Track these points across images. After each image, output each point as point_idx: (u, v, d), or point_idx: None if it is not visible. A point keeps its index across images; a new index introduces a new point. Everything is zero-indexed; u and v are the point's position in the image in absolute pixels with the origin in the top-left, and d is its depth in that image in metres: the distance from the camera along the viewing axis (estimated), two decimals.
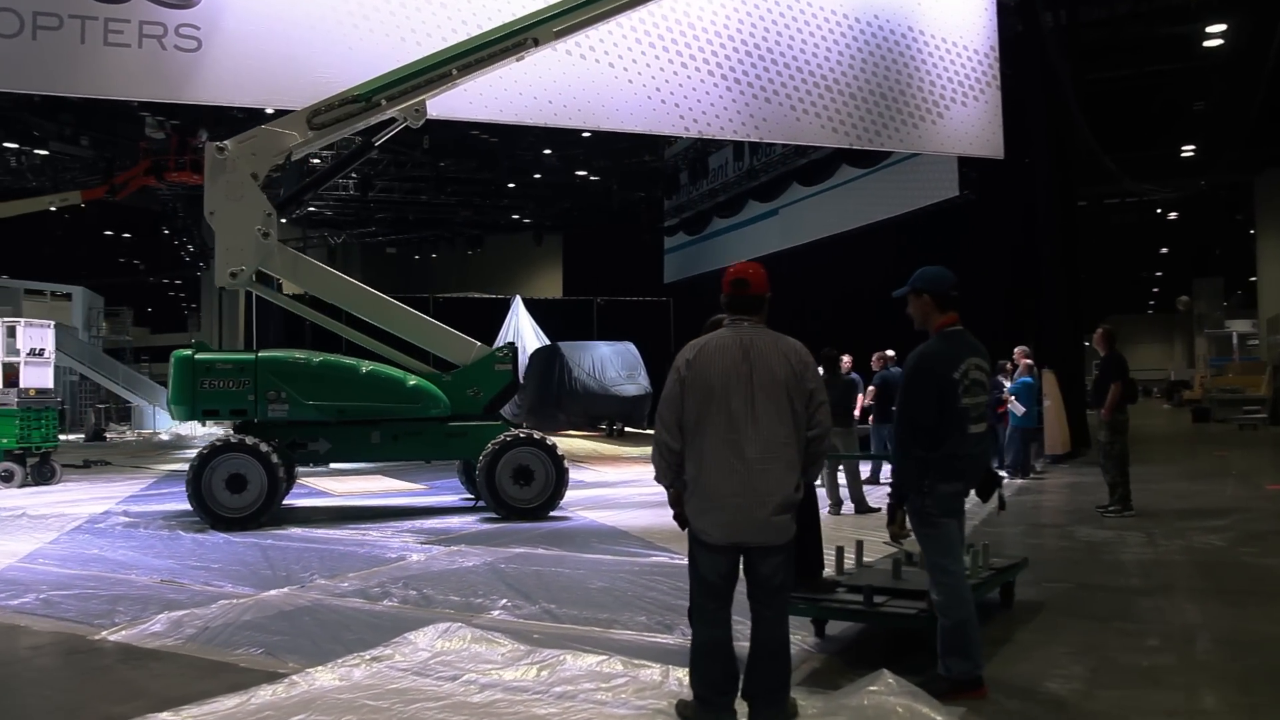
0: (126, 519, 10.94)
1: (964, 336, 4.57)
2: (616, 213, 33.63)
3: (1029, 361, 14.35)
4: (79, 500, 12.52)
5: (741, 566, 4.18)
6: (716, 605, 4.19)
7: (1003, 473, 14.15)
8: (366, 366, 10.97)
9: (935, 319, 4.59)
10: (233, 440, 10.33)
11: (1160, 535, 9.06)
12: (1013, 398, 14.15)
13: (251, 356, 10.72)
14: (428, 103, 11.79)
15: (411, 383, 10.98)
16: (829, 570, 5.88)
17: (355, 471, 15.56)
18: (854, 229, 24.48)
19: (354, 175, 29.54)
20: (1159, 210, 39.46)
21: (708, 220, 30.95)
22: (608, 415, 22.36)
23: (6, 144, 25.68)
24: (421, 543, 9.16)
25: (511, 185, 30.83)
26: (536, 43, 11.51)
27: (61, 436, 24.96)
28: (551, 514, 10.80)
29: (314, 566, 8.01)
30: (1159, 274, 57.14)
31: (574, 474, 15.85)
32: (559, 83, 13.09)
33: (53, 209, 24.57)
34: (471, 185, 31.82)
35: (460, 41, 11.54)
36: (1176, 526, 9.54)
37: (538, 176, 30.56)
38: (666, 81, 13.51)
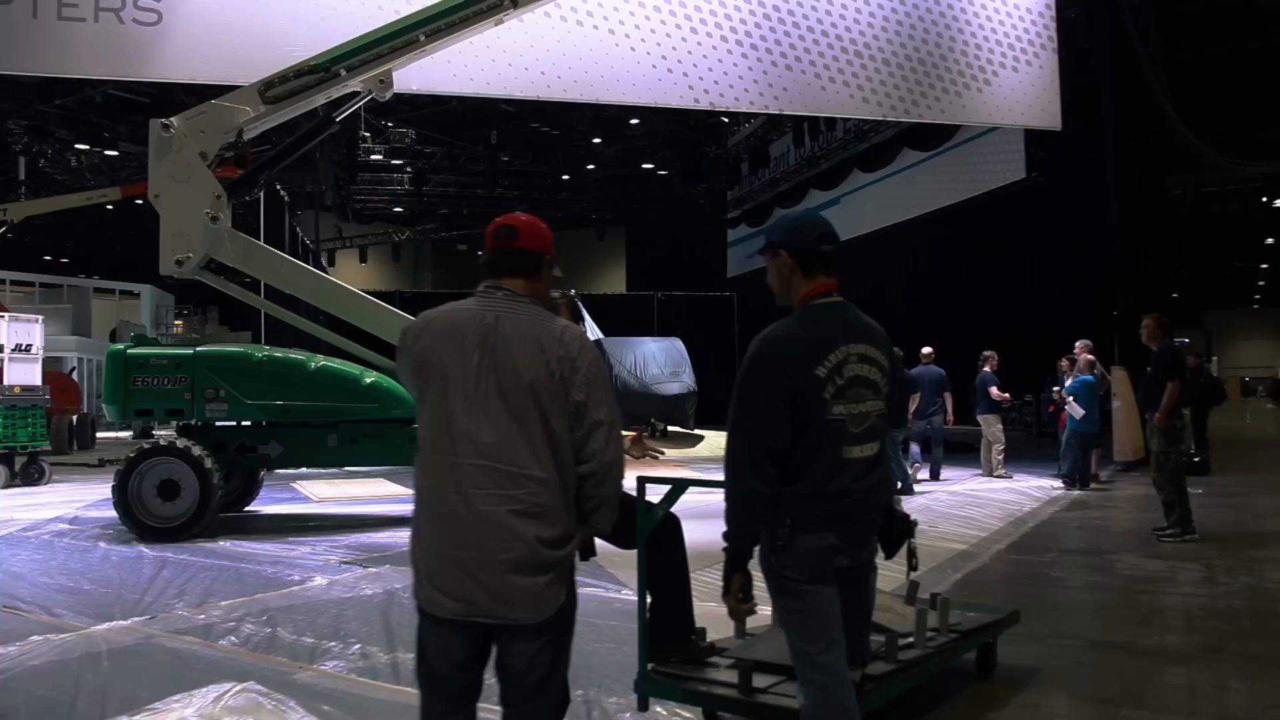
0: (66, 526, 9.94)
1: (839, 312, 3.02)
2: (680, 205, 32.10)
3: (1089, 357, 12.45)
4: (48, 503, 11.62)
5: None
6: (446, 708, 2.78)
7: (1058, 484, 12.34)
8: (316, 362, 9.76)
9: (798, 287, 3.05)
10: (162, 443, 9.24)
11: (1223, 569, 7.26)
12: (1070, 398, 12.27)
13: (189, 351, 9.59)
14: (397, 73, 10.60)
15: (368, 380, 9.73)
16: (715, 632, 4.36)
17: (360, 475, 14.44)
18: (918, 216, 22.61)
19: (409, 170, 28.67)
20: (1264, 199, 36.26)
21: (769, 211, 29.28)
22: (648, 414, 20.87)
23: (78, 145, 25.51)
24: (343, 562, 7.89)
25: (566, 177, 29.56)
26: (515, 4, 10.16)
27: (113, 435, 24.93)
28: None
29: (193, 590, 6.80)
30: (1264, 266, 53.07)
31: None
32: (553, 52, 11.72)
33: (89, 204, 24.13)
34: (528, 178, 30.67)
35: (429, 5, 10.24)
36: (1246, 557, 7.70)
37: (591, 168, 29.23)
38: (674, 49, 12.03)
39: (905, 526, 3.15)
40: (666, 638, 4.03)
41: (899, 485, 12.19)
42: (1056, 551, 8.15)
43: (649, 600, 3.99)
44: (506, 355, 2.76)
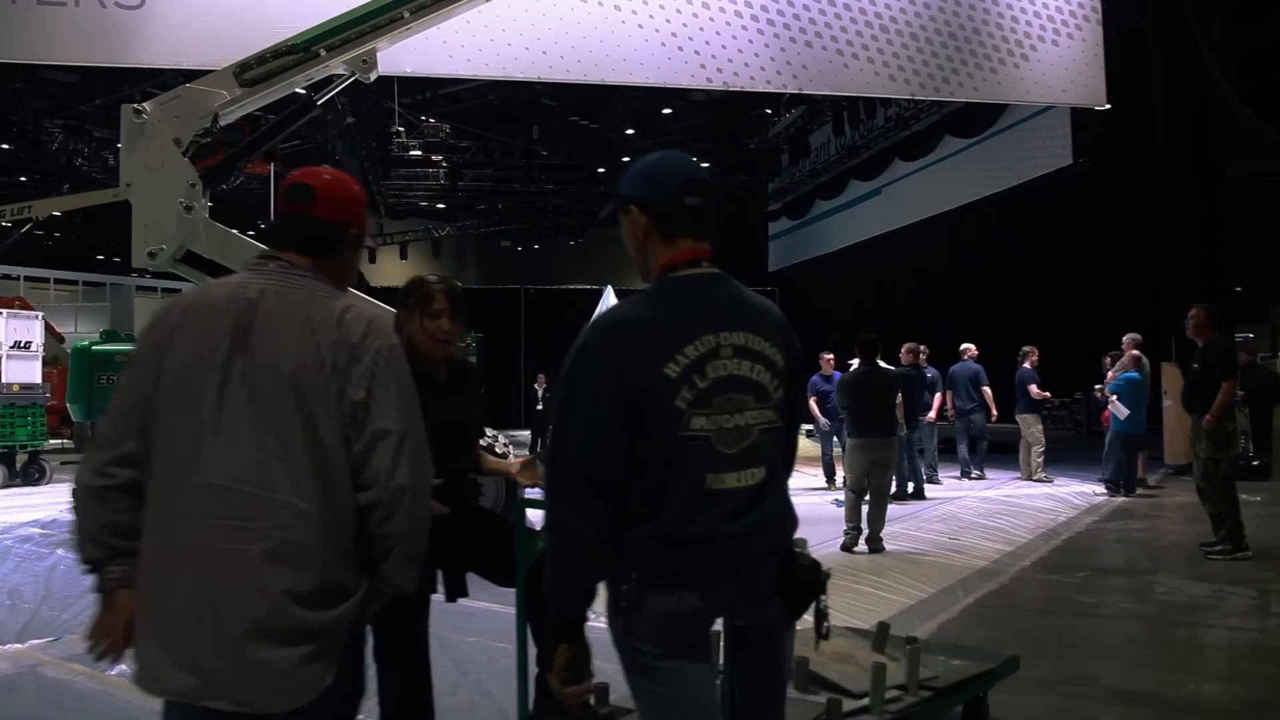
0: (37, 531, 9.43)
1: (708, 289, 2.19)
2: (720, 198, 31.11)
3: (1136, 353, 11.38)
4: (37, 504, 11.15)
5: None
6: None
7: (1101, 489, 11.30)
8: None
9: (655, 255, 2.24)
10: None
11: (1279, 595, 6.28)
12: (1114, 397, 11.23)
13: None
14: (392, 55, 9.98)
15: None
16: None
17: None
18: (960, 205, 21.49)
19: (444, 164, 28.12)
20: None
21: (810, 203, 28.34)
22: None
23: (118, 144, 25.37)
24: None
25: (601, 170, 28.76)
26: None
27: None
28: None
29: None
30: None
31: None
32: (555, 30, 10.96)
33: (117, 200, 23.98)
34: (566, 172, 29.97)
35: None
36: None
37: (627, 160, 28.38)
38: (685, 25, 11.20)
39: (812, 580, 2.32)
40: (553, 698, 3.24)
41: (909, 489, 11.31)
42: (1088, 570, 7.19)
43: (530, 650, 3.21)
44: (264, 339, 2.03)
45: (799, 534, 2.29)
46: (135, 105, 9.33)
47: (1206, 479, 7.48)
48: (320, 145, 22.14)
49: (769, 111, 26.89)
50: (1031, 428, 12.99)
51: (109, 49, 10.59)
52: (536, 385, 16.15)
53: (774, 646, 2.31)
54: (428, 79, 24.44)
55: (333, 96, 17.82)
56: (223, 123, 9.52)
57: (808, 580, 2.28)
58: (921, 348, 12.67)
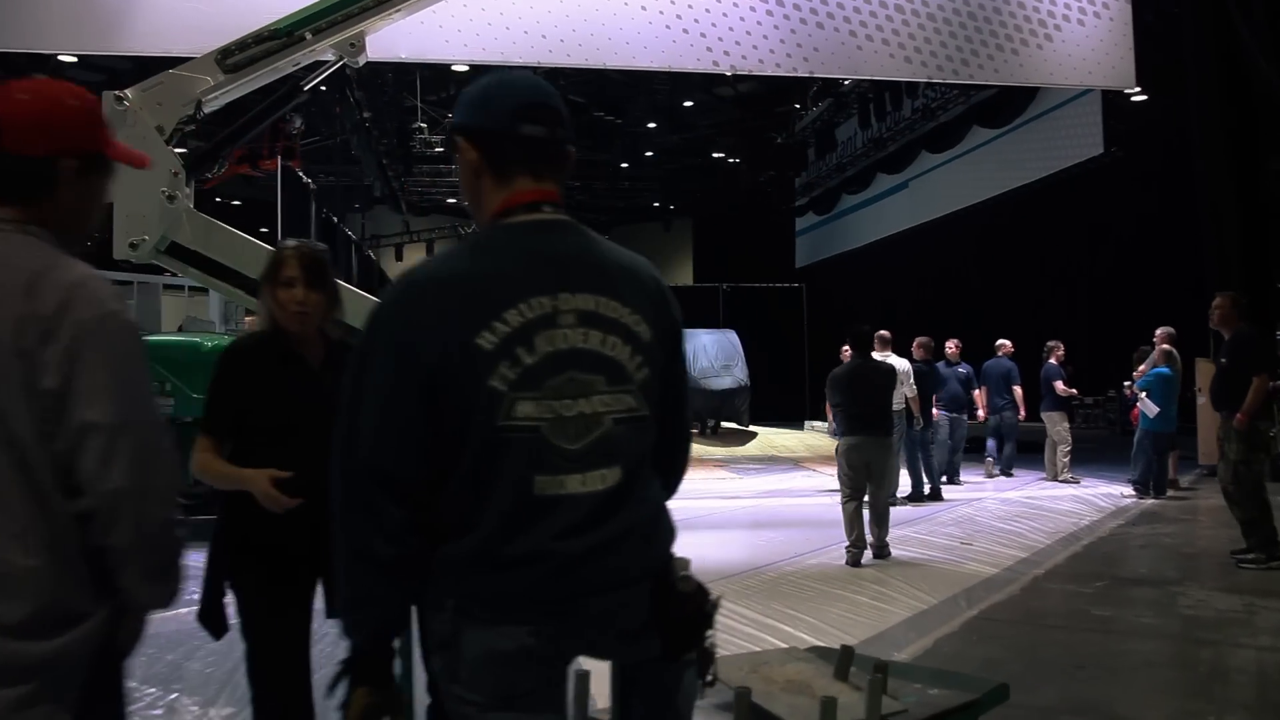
0: None
1: (547, 238, 1.72)
2: (747, 194, 30.60)
3: (1167, 347, 10.72)
4: None
5: None
6: None
7: (1129, 491, 10.66)
8: None
9: (488, 196, 1.76)
10: None
11: None
12: (1143, 394, 10.58)
13: None
14: (385, 41, 9.56)
15: None
16: None
17: None
18: (989, 198, 20.77)
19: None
20: None
21: (836, 198, 27.68)
22: (694, 411, 19.53)
23: None
24: None
25: (625, 165, 28.30)
26: None
27: None
28: None
29: None
30: None
31: None
32: (555, 13, 10.49)
33: None
34: (590, 168, 29.53)
35: None
36: None
37: (650, 154, 27.95)
38: (690, 6, 10.68)
39: (695, 612, 1.83)
40: None
41: (925, 489, 10.75)
42: (1107, 579, 6.61)
43: None
44: None
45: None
46: (116, 92, 8.98)
47: (1236, 482, 6.88)
48: (344, 140, 21.86)
49: (797, 106, 26.36)
50: (1057, 426, 12.36)
51: (98, 37, 10.28)
52: None
53: (669, 689, 1.83)
54: (449, 75, 24.33)
55: (349, 92, 17.43)
56: (207, 110, 9.16)
57: (688, 612, 1.80)
58: (951, 343, 12.07)
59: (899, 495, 10.51)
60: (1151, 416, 10.44)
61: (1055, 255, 21.01)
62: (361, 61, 9.32)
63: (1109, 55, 11.50)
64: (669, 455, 1.86)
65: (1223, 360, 7.17)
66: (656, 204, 31.96)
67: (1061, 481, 12.07)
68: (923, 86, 21.04)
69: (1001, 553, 7.51)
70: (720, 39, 10.76)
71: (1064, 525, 8.84)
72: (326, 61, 9.26)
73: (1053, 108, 18.21)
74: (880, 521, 7.26)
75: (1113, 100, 16.90)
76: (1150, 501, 10.34)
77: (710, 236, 35.08)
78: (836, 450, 7.30)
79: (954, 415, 11.83)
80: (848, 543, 7.13)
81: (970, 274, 22.71)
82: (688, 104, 24.76)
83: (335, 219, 18.89)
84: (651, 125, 25.55)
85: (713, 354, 19.95)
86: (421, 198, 29.12)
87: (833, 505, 9.77)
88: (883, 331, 11.44)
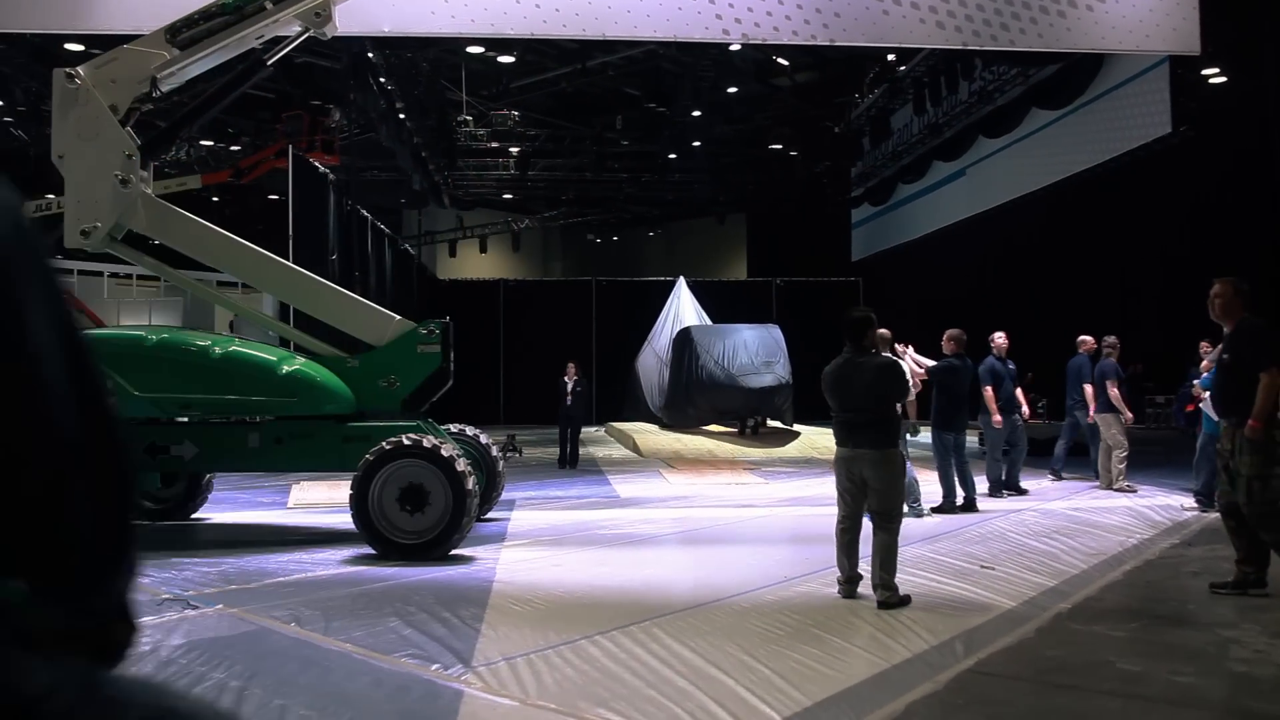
0: None
1: None
2: (802, 186, 29.34)
3: None
4: None
5: None
6: None
7: (1191, 503, 9.36)
8: (223, 347, 7.98)
9: None
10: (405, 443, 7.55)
11: None
12: (1206, 394, 9.25)
13: None
14: (366, 16, 8.79)
15: (286, 370, 7.90)
16: None
17: None
18: (1050, 184, 19.30)
19: (512, 154, 27.06)
20: None
21: (892, 188, 26.33)
22: (733, 409, 18.44)
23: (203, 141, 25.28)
24: (171, 598, 6.01)
25: (673, 156, 27.27)
26: None
27: None
28: (455, 553, 7.42)
29: None
30: None
31: (637, 483, 12.46)
32: None
33: (167, 193, 23.59)
34: (639, 160, 28.61)
35: None
36: None
37: (698, 145, 26.86)
38: None
39: None
40: None
41: (959, 500, 9.62)
42: (1146, 619, 5.44)
43: None
44: None
45: None
46: (68, 70, 8.32)
47: (1251, 501, 5.70)
48: (368, 128, 21.30)
49: (856, 96, 25.10)
50: (1111, 429, 11.07)
51: (65, 16, 9.70)
52: (566, 378, 14.55)
53: None
54: (499, 67, 23.62)
55: (371, 79, 16.67)
56: (164, 88, 8.45)
57: None
58: (999, 336, 10.86)
59: (925, 508, 9.39)
60: (1216, 419, 9.10)
61: (1122, 243, 19.44)
62: (330, 32, 8.55)
63: (1169, 16, 10.19)
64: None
65: (1225, 357, 6.02)
66: (710, 198, 30.85)
67: (1116, 490, 10.80)
68: (979, 68, 19.72)
69: (1026, 580, 6.37)
70: (731, 6, 9.77)
71: (1108, 545, 7.63)
72: (290, 35, 8.54)
73: (1116, 85, 16.76)
74: (885, 559, 5.75)
75: (1181, 76, 15.44)
76: (1214, 515, 9.00)
77: (764, 231, 33.90)
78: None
79: (1010, 417, 10.72)
80: (838, 576, 6.04)
81: (1032, 265, 21.22)
82: (740, 94, 23.61)
83: (366, 213, 18.18)
84: (696, 114, 24.37)
85: (753, 349, 18.78)
86: (466, 192, 28.42)
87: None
88: (883, 330, 10.42)
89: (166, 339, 8.02)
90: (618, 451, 18.14)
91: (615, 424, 23.16)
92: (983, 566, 6.82)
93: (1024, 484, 11.04)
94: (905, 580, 6.30)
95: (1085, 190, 18.68)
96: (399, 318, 8.37)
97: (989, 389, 10.58)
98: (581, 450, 16.29)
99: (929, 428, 10.34)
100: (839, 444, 5.88)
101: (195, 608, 5.79)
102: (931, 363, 10.00)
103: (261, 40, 8.52)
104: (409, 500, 7.33)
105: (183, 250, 8.43)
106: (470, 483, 7.31)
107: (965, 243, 23.41)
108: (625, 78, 25.36)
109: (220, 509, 9.99)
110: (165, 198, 24.41)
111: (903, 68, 22.47)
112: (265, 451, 8.04)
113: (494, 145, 26.20)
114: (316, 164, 15.37)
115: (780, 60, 24.65)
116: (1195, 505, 9.35)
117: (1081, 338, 11.72)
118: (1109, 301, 19.15)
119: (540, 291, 30.10)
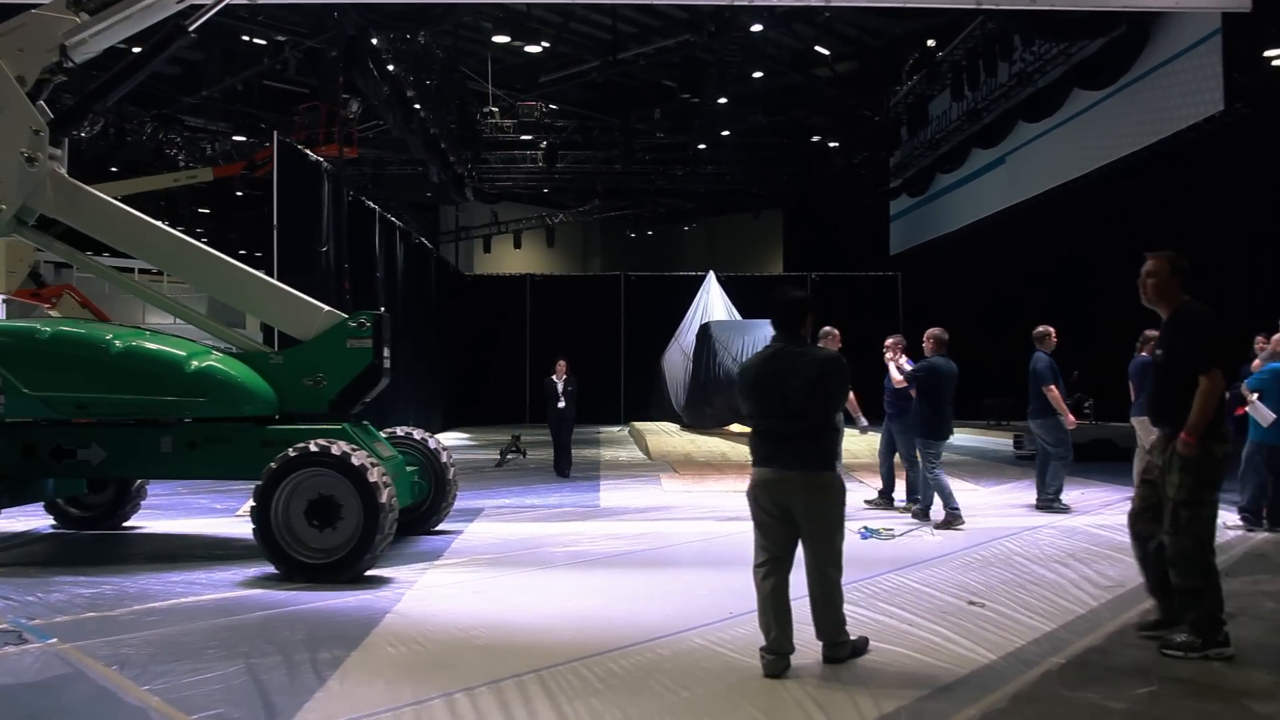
0: None
1: None
2: (839, 178, 27.96)
3: None
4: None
5: None
6: None
7: (1236, 520, 8.07)
8: (125, 341, 7.08)
9: None
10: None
11: None
12: (1255, 396, 7.96)
13: None
14: None
15: (196, 366, 6.98)
16: None
17: None
18: (1094, 170, 17.79)
19: (541, 147, 26.09)
20: None
21: (931, 178, 24.88)
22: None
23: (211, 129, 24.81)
24: (4, 630, 5.11)
25: (702, 147, 26.09)
26: None
27: None
28: (371, 574, 6.45)
29: None
30: None
31: (628, 490, 11.42)
32: None
33: (177, 185, 22.96)
34: (670, 151, 27.49)
35: None
36: None
37: (727, 134, 25.64)
38: None
39: None
40: None
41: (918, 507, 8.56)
42: (1159, 680, 4.26)
43: None
44: None
45: None
46: None
47: (1176, 531, 4.61)
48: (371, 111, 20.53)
49: (897, 88, 23.76)
50: (1151, 432, 9.70)
51: None
52: (555, 378, 13.31)
53: None
54: (528, 57, 22.70)
55: (371, 63, 15.80)
56: (76, 58, 7.57)
57: None
58: (1049, 331, 9.59)
59: (933, 521, 8.30)
60: (1265, 425, 7.81)
61: (1172, 231, 17.89)
62: None
63: None
64: None
65: (1159, 353, 4.82)
66: (745, 191, 29.59)
67: None
68: (1019, 49, 18.32)
69: (1019, 623, 5.21)
70: None
71: (1129, 573, 6.38)
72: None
73: (1163, 62, 15.30)
74: (827, 609, 4.45)
75: (1235, 47, 13.97)
76: (1262, 536, 7.73)
77: (802, 225, 32.55)
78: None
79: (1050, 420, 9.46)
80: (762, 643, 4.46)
81: (1077, 256, 19.70)
82: (777, 84, 22.44)
83: (374, 206, 17.34)
84: (722, 101, 23.20)
85: None
86: (492, 185, 27.55)
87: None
88: (829, 328, 9.48)
89: (62, 331, 7.15)
90: (632, 454, 17.08)
91: (638, 424, 22.16)
92: (970, 602, 5.66)
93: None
94: (873, 620, 5.20)
95: (1132, 176, 17.18)
96: (327, 309, 7.43)
97: (1053, 387, 9.34)
98: (595, 452, 15.45)
99: (895, 433, 9.32)
100: (758, 463, 4.48)
101: (24, 642, 4.89)
102: (910, 366, 8.95)
103: (182, 4, 7.63)
104: (318, 514, 6.37)
105: (95, 235, 7.56)
106: (385, 495, 6.33)
107: (1007, 234, 21.96)
108: (657, 69, 24.33)
109: (163, 516, 9.18)
110: (174, 190, 23.55)
111: (940, 54, 21.14)
112: (179, 457, 7.15)
113: (524, 138, 25.32)
114: (308, 152, 14.50)
115: (821, 50, 23.52)
116: (1240, 523, 8.04)
117: (1148, 333, 10.20)
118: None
119: (568, 287, 29.13)
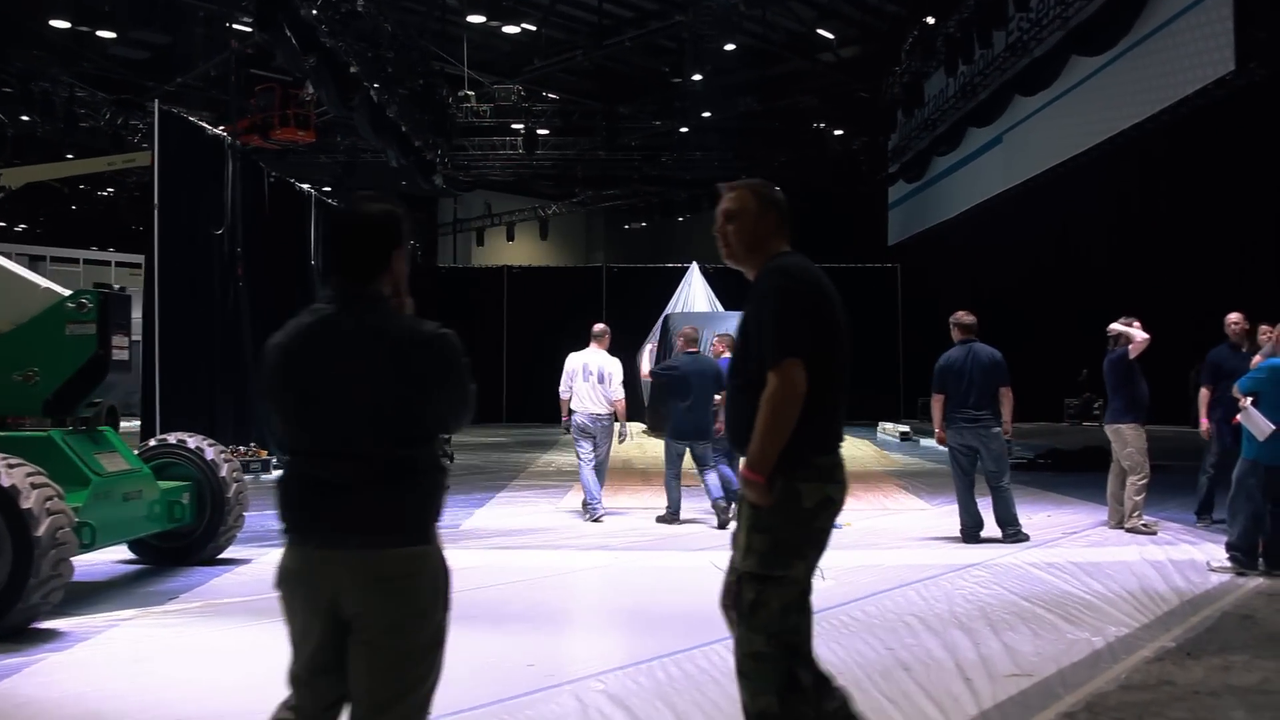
0: None
1: None
2: (833, 164, 26.04)
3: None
4: None
5: None
6: None
7: (1223, 559, 6.16)
8: None
9: None
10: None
11: None
12: (1247, 400, 6.03)
13: None
14: None
15: None
16: None
17: None
18: (1095, 145, 15.78)
19: (521, 133, 24.33)
20: None
21: (928, 162, 22.86)
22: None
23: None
24: None
25: (684, 130, 24.27)
26: None
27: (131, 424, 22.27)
28: (40, 626, 4.75)
29: None
30: None
31: (515, 505, 9.53)
32: None
33: (112, 169, 21.40)
34: (655, 136, 25.70)
35: None
36: None
37: (707, 115, 23.79)
38: None
39: None
40: None
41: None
42: None
43: None
44: None
45: None
46: None
47: (743, 619, 2.71)
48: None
49: (897, 69, 21.86)
50: (1128, 444, 7.78)
51: None
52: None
53: None
54: (502, 36, 21.04)
55: (314, 38, 13.99)
56: None
57: None
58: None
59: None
60: (1261, 439, 5.89)
61: (1185, 208, 15.86)
62: None
63: None
64: None
65: (736, 336, 3.08)
66: (734, 179, 27.71)
67: (1129, 530, 7.58)
68: (1014, 19, 16.38)
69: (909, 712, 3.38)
70: None
71: (1065, 644, 4.52)
72: None
73: (1167, 21, 13.27)
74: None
75: (1247, 1, 12.00)
76: (1255, 583, 5.80)
77: (796, 214, 30.37)
78: None
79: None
80: None
81: (1088, 238, 17.76)
82: (730, 47, 20.64)
83: (308, 189, 15.72)
84: (697, 77, 21.44)
85: None
86: (466, 172, 25.88)
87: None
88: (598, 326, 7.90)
89: None
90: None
91: None
92: (883, 673, 3.82)
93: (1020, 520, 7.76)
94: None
95: (1135, 152, 15.18)
96: (45, 286, 5.76)
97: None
98: (537, 455, 14.15)
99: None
100: (294, 542, 2.27)
101: None
102: None
103: None
104: None
105: None
106: (42, 528, 4.63)
107: (1007, 220, 20.03)
108: (644, 53, 22.63)
109: None
110: (113, 174, 21.96)
111: (934, 24, 19.27)
112: None
113: (503, 123, 23.67)
114: (205, 126, 12.87)
115: (824, 33, 21.81)
116: (1228, 564, 6.11)
117: (1232, 316, 8.14)
118: (1165, 281, 15.61)
119: (547, 280, 27.36)
